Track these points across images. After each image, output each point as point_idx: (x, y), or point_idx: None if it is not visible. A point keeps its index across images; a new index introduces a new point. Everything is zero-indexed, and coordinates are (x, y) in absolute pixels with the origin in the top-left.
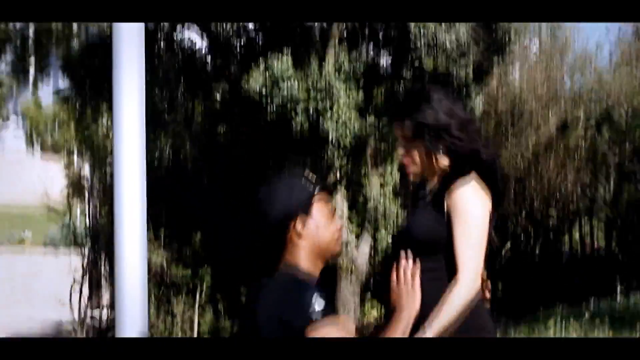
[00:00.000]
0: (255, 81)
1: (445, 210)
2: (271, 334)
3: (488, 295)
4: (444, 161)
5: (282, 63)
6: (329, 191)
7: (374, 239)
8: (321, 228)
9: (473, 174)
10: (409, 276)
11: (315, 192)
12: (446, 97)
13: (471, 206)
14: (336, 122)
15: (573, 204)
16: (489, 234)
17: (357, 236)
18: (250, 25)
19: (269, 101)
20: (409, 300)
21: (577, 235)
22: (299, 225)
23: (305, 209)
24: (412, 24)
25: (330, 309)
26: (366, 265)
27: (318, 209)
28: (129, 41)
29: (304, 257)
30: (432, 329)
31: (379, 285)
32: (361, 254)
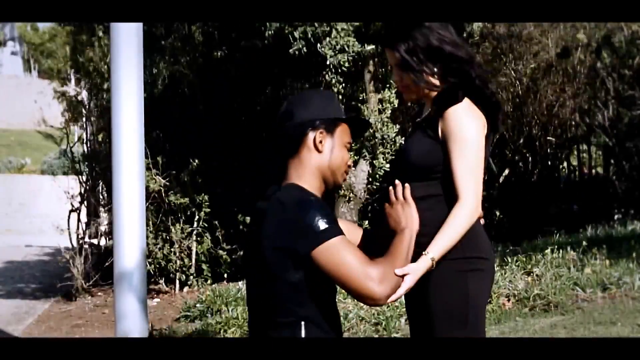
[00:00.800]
0: None
1: (440, 134)
2: (277, 264)
3: (481, 219)
4: (438, 85)
5: None
6: (355, 127)
7: (372, 166)
8: (335, 151)
9: (466, 98)
10: (401, 197)
11: (344, 117)
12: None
13: (466, 128)
14: (334, 46)
15: (571, 130)
16: (486, 158)
17: (355, 162)
18: None
19: (267, 25)
20: (407, 219)
21: (575, 162)
22: (319, 136)
23: (331, 125)
24: None
25: (334, 226)
26: (364, 192)
27: (341, 132)
28: None
29: (310, 174)
30: (434, 252)
31: (376, 212)
32: (359, 180)
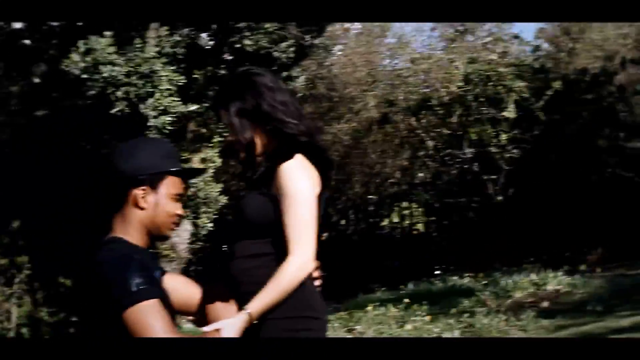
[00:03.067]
0: (76, 64)
1: (274, 190)
2: (110, 321)
3: (318, 274)
4: (270, 144)
5: (103, 45)
6: (185, 178)
7: (195, 225)
8: (160, 206)
9: (298, 154)
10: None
11: (172, 169)
12: (269, 80)
13: (299, 185)
14: (157, 107)
15: (392, 188)
16: (319, 215)
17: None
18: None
19: (88, 85)
20: (226, 314)
21: (396, 219)
22: (141, 193)
23: (155, 180)
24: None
25: (149, 288)
26: (187, 251)
27: (167, 185)
28: None
29: (134, 229)
30: (253, 307)
31: (199, 274)
32: (181, 239)
